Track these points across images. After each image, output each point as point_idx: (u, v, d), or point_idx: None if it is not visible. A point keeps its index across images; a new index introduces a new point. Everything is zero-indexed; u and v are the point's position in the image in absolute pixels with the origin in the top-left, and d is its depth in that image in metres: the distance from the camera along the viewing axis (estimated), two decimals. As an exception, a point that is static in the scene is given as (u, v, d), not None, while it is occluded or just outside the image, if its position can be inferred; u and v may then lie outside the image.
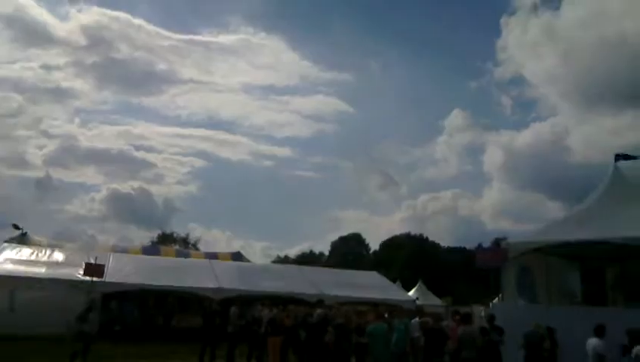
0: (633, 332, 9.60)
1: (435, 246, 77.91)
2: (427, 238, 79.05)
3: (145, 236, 79.91)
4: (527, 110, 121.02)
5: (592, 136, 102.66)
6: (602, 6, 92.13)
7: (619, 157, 16.16)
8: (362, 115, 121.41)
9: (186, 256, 30.18)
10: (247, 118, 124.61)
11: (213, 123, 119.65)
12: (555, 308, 14.89)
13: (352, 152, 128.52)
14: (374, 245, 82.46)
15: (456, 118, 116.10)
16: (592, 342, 9.63)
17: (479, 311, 22.79)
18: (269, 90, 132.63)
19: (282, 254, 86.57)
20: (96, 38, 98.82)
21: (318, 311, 11.69)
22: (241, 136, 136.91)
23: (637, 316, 12.04)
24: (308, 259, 73.67)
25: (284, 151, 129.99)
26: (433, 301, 36.40)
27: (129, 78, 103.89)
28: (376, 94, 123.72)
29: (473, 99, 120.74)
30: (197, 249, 49.01)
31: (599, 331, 9.71)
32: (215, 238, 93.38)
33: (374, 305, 16.76)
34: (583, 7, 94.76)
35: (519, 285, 16.17)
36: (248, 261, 31.27)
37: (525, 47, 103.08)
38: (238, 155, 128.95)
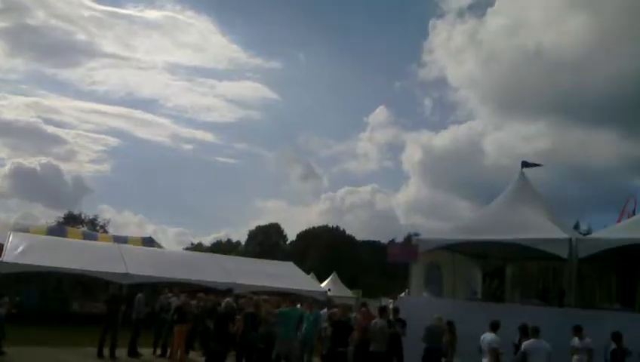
0: (524, 327, 10.21)
1: (350, 239, 79.38)
2: (344, 231, 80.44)
3: (51, 216, 75.26)
4: (447, 112, 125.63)
5: (505, 141, 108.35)
6: (524, 17, 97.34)
7: (525, 163, 17.17)
8: (288, 105, 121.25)
9: (94, 238, 28.76)
10: (168, 98, 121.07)
11: (132, 101, 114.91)
12: (457, 303, 15.61)
13: (276, 141, 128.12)
14: (292, 236, 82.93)
15: (379, 115, 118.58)
16: (487, 336, 10.12)
17: (387, 304, 23.43)
18: (194, 72, 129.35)
19: (196, 241, 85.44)
20: (10, 2, 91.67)
21: (227, 299, 11.53)
22: (162, 117, 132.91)
23: (531, 312, 12.90)
24: (223, 247, 72.75)
25: (207, 136, 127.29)
26: (345, 293, 37.06)
27: (44, 46, 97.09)
28: (304, 85, 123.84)
29: (397, 97, 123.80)
30: (106, 231, 47.02)
31: (494, 326, 10.22)
32: (126, 222, 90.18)
33: (287, 295, 16.80)
34: (506, 17, 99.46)
35: (426, 280, 16.83)
36: (160, 246, 30.38)
37: (450, 51, 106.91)
38: (156, 137, 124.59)
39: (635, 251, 13.25)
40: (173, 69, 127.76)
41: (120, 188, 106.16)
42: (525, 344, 9.71)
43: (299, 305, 14.26)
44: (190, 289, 17.42)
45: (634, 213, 16.06)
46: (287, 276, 23.67)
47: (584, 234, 16.85)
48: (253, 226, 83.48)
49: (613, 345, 10.39)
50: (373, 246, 72.46)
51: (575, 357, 10.93)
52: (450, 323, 12.12)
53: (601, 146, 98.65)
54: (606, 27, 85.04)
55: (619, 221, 16.21)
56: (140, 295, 15.72)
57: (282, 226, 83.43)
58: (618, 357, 10.25)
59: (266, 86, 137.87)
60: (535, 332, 9.80)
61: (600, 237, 13.75)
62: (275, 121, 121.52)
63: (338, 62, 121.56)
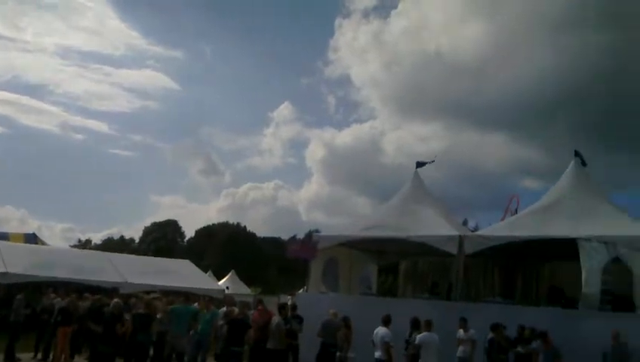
0: (415, 321, 10.60)
1: (251, 236, 78.86)
2: (245, 228, 79.75)
3: None
4: (350, 111, 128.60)
5: (403, 141, 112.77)
6: (425, 20, 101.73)
7: (419, 163, 17.87)
8: (190, 96, 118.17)
9: (-32, 234, 26.19)
10: (59, 84, 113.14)
11: (18, 86, 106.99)
12: (352, 298, 15.94)
13: (176, 134, 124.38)
14: (190, 233, 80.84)
15: (284, 110, 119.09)
16: (380, 330, 10.39)
17: (286, 301, 23.46)
18: (89, 58, 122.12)
19: (85, 238, 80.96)
20: None
21: (115, 300, 10.89)
22: (51, 104, 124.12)
23: (421, 306, 13.44)
24: (115, 244, 69.24)
25: (100, 126, 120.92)
26: (243, 290, 36.70)
27: None
28: (207, 77, 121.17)
29: (303, 94, 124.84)
30: (-17, 227, 43.09)
31: (386, 321, 10.52)
32: (7, 217, 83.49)
33: (182, 293, 16.23)
34: (408, 20, 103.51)
35: (325, 276, 17.02)
36: (44, 243, 28.29)
37: (354, 51, 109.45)
38: (44, 125, 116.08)
39: (516, 248, 14.23)
40: (66, 53, 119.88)
41: (1, 180, 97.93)
42: (419, 337, 10.14)
43: (196, 304, 13.86)
44: (76, 289, 16.34)
45: (516, 212, 17.17)
46: (182, 274, 22.94)
47: (472, 231, 17.83)
48: (148, 223, 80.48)
49: (491, 335, 11.13)
50: (274, 242, 72.51)
51: (460, 348, 11.53)
52: (346, 318, 12.30)
53: (492, 148, 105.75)
54: (502, 34, 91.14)
55: (503, 219, 17.29)
56: (19, 296, 14.56)
57: (180, 223, 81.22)
58: (495, 346, 10.95)
59: (167, 75, 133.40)
60: (428, 325, 10.23)
61: (485, 235, 14.57)
62: (175, 112, 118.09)
63: (244, 56, 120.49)
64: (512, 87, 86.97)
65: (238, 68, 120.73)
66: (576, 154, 15.06)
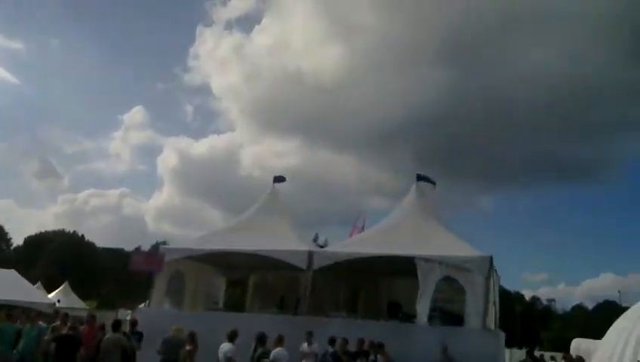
0: (261, 336, 10.50)
1: (90, 245, 73.34)
2: (83, 236, 73.96)
3: None
4: (208, 121, 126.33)
5: (260, 155, 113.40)
6: (287, 39, 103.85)
7: (276, 178, 18.00)
8: (30, 92, 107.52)
9: None
10: None
11: None
12: (198, 314, 15.43)
13: (10, 131, 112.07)
14: (19, 240, 72.94)
15: (136, 115, 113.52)
16: (224, 346, 10.15)
17: (125, 316, 22.01)
18: None
19: None
20: None
21: None
22: None
23: (269, 320, 13.41)
24: None
25: None
26: (77, 304, 33.86)
27: None
28: (52, 72, 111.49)
29: (158, 99, 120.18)
30: None
31: (232, 336, 10.31)
32: None
33: (2, 307, 14.42)
34: (271, 36, 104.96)
35: (169, 290, 16.28)
36: None
37: (215, 61, 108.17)
38: None
39: (361, 264, 14.87)
40: None
41: None
42: (273, 353, 10.13)
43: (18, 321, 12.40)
44: None
45: (363, 229, 17.99)
46: (5, 285, 20.46)
47: (321, 247, 18.29)
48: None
49: (331, 349, 11.55)
50: (116, 254, 67.97)
51: (303, 362, 11.67)
52: (192, 334, 11.80)
53: (345, 167, 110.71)
54: (357, 60, 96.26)
55: (351, 235, 17.99)
56: None
57: (7, 229, 72.93)
58: (336, 357, 11.33)
59: (4, 68, 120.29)
60: (280, 341, 10.35)
61: (333, 251, 15.06)
62: (11, 108, 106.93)
63: (96, 52, 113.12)
64: (364, 110, 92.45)
65: (88, 65, 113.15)
66: (419, 178, 16.22)
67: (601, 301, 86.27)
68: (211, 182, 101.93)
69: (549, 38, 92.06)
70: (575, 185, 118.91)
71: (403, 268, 13.96)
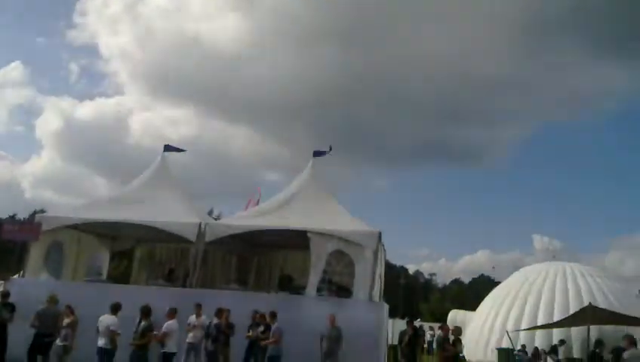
0: (145, 308, 10.14)
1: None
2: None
3: None
4: (95, 82, 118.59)
5: (152, 122, 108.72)
6: (184, 3, 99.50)
7: (167, 147, 17.28)
8: None
9: None
10: None
11: None
12: (78, 285, 14.62)
13: None
14: None
15: (14, 71, 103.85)
16: (106, 318, 9.71)
17: (-4, 288, 20.39)
18: None
19: None
20: None
21: None
22: None
23: (156, 293, 13.00)
24: None
25: None
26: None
27: None
28: None
29: (38, 56, 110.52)
30: None
31: (114, 308, 9.89)
32: None
33: None
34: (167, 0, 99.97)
35: (48, 261, 15.23)
36: None
37: (105, 19, 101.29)
38: None
39: (254, 236, 14.80)
40: None
41: None
42: (165, 325, 10.09)
43: None
44: None
45: (258, 203, 17.85)
46: None
47: (215, 219, 17.96)
48: None
49: (216, 320, 11.63)
50: (-14, 222, 62.52)
51: (190, 334, 11.47)
52: (69, 306, 11.16)
53: (241, 140, 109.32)
54: (258, 31, 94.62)
55: (246, 208, 17.79)
56: None
57: None
58: (221, 329, 11.50)
59: None
60: (172, 314, 10.35)
61: (226, 223, 14.84)
62: None
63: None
64: (263, 83, 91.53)
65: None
66: (316, 154, 16.33)
67: (476, 276, 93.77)
68: (97, 148, 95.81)
69: (447, 28, 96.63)
70: (462, 168, 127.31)
71: (296, 241, 14.08)
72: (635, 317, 17.66)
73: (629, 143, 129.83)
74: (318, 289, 13.11)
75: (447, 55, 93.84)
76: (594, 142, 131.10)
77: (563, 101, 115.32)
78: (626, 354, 11.27)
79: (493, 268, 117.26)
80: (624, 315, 18.02)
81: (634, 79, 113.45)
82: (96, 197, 19.02)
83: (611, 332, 19.12)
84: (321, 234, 13.31)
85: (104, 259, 17.64)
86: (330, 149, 16.40)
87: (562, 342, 21.18)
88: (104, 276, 16.73)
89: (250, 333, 11.92)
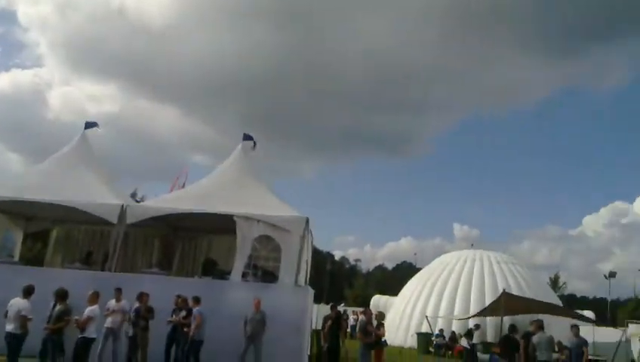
0: (60, 292, 9.69)
1: None
2: None
3: None
4: (11, 52, 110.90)
5: (72, 97, 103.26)
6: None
7: (88, 124, 16.50)
8: None
9: None
10: None
11: None
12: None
13: None
14: None
15: None
16: (17, 302, 9.16)
17: None
18: None
19: None
20: None
21: None
22: None
23: (72, 276, 12.43)
24: None
25: None
26: None
27: None
28: None
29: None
30: None
31: (27, 292, 9.34)
32: None
33: None
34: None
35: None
36: None
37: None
38: None
39: (178, 220, 14.44)
40: None
41: None
42: (87, 311, 9.77)
43: None
44: None
45: (184, 186, 17.42)
46: None
47: (138, 202, 17.35)
48: None
49: (137, 304, 11.39)
50: None
51: (109, 319, 11.09)
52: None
53: (167, 120, 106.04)
54: (187, 6, 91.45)
55: (171, 190, 17.33)
56: None
57: None
58: (140, 314, 11.31)
59: None
60: (94, 298, 10.03)
61: (149, 205, 14.38)
62: None
63: None
64: (191, 62, 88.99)
65: None
66: (245, 137, 16.12)
67: (400, 262, 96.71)
68: (11, 121, 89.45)
69: (380, 17, 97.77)
70: (390, 156, 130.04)
71: (222, 225, 13.88)
72: (547, 303, 18.93)
73: (550, 141, 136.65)
74: (244, 275, 13.01)
75: (380, 43, 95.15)
76: (519, 135, 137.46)
77: (491, 93, 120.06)
78: (535, 338, 12.04)
79: (415, 254, 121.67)
80: (535, 300, 19.34)
81: (560, 73, 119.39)
82: (10, 175, 17.86)
83: (523, 317, 20.38)
84: (247, 218, 13.18)
85: (17, 240, 16.66)
86: (255, 145, 16.26)
87: (477, 326, 22.25)
88: (16, 258, 15.81)
89: (173, 318, 11.71)
